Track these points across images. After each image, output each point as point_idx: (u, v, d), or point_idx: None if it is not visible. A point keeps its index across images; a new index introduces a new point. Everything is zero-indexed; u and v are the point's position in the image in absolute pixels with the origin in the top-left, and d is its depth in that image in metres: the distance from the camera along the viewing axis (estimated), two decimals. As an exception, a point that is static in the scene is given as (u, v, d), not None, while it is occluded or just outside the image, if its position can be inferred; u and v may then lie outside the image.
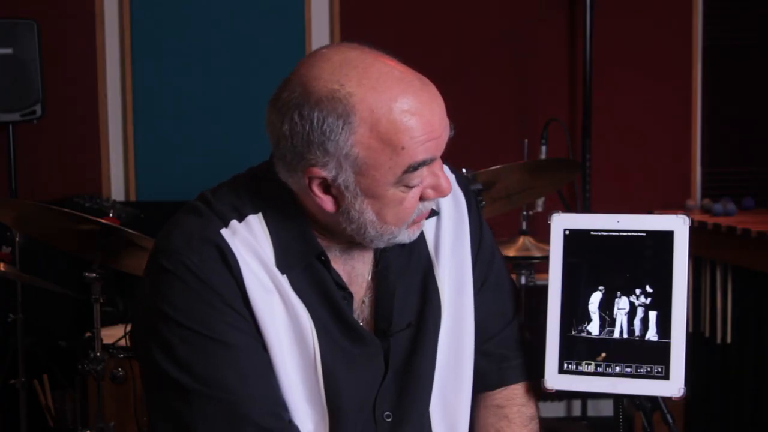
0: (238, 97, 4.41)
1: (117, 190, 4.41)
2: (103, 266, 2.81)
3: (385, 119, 1.42)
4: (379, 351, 1.59)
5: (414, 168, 1.45)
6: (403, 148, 1.43)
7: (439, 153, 1.48)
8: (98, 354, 2.82)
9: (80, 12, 4.32)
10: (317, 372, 1.53)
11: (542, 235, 3.63)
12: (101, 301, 2.83)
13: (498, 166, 2.88)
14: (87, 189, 4.25)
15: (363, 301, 1.61)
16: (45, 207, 2.77)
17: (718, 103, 4.59)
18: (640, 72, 4.55)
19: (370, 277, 1.62)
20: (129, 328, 2.94)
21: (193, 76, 4.38)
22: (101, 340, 2.85)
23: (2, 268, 3.08)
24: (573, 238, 1.56)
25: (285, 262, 1.52)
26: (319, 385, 1.53)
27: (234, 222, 1.51)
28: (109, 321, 3.18)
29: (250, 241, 1.50)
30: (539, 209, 3.66)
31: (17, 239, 3.47)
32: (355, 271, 1.60)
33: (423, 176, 1.48)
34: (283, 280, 1.51)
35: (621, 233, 1.54)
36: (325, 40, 4.43)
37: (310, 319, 1.52)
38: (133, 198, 4.39)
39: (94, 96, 4.36)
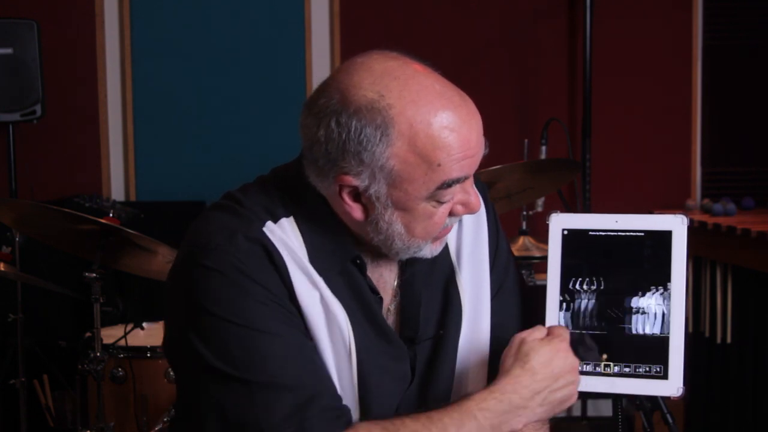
0: (238, 97, 4.41)
1: (117, 190, 4.42)
2: (103, 266, 2.81)
3: (423, 134, 1.41)
4: (406, 358, 1.59)
5: (448, 185, 1.45)
6: (439, 165, 1.42)
7: (473, 171, 1.48)
8: (98, 354, 2.82)
9: (80, 12, 4.32)
10: (352, 372, 1.52)
11: (542, 235, 3.63)
12: (101, 301, 2.83)
13: (498, 166, 2.87)
14: (87, 189, 4.25)
15: (389, 309, 1.61)
16: (45, 207, 2.76)
17: (718, 103, 4.59)
18: (640, 72, 4.54)
19: (396, 285, 1.62)
20: (124, 327, 2.94)
21: (193, 76, 4.39)
22: (101, 340, 2.85)
23: (2, 268, 3.08)
24: (571, 238, 1.56)
25: (320, 265, 1.50)
26: (353, 383, 1.53)
27: (270, 223, 1.50)
28: (109, 321, 3.18)
29: (287, 243, 1.49)
30: (539, 209, 3.66)
31: (17, 239, 3.47)
32: (383, 279, 1.60)
33: (455, 192, 1.47)
34: (320, 281, 1.50)
35: (619, 233, 1.54)
36: (325, 40, 4.43)
37: (348, 321, 1.51)
38: (133, 198, 4.39)
39: (94, 96, 4.36)
